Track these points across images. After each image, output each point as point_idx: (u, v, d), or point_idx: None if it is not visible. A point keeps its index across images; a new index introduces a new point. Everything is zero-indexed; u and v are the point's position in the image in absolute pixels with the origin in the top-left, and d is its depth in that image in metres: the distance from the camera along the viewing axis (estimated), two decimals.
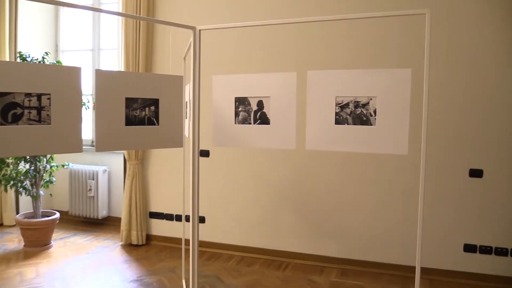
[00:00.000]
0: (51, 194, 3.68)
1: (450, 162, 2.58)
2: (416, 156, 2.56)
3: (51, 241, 3.18)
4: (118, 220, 3.55)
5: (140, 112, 1.55)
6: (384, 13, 1.38)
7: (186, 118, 1.91)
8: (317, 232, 2.85)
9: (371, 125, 1.43)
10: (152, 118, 1.59)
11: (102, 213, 3.65)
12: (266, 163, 2.94)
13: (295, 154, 2.87)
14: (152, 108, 1.58)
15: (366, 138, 1.43)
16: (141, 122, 1.55)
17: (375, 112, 1.42)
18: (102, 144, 1.47)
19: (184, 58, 2.18)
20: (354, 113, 1.45)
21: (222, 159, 3.05)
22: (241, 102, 1.62)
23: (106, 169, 3.68)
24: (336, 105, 1.47)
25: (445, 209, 2.61)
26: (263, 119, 1.60)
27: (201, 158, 3.04)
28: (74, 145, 1.39)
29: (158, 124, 1.60)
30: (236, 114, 1.63)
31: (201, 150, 3.02)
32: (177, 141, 1.68)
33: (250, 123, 1.61)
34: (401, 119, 1.39)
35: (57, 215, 3.20)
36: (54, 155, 3.42)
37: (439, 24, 2.52)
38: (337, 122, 1.47)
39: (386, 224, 2.72)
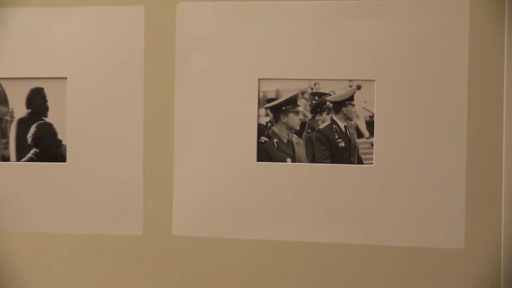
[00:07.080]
0: None
1: None
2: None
3: None
4: None
5: None
6: None
7: None
8: None
9: (361, 163, 0.85)
10: None
11: None
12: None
13: (160, 250, 2.10)
14: None
15: (349, 201, 0.90)
16: None
17: (371, 122, 0.87)
18: None
19: None
20: (312, 127, 0.87)
21: None
22: None
23: None
24: (260, 104, 0.88)
25: None
26: (48, 145, 1.04)
27: None
28: None
29: None
30: None
31: None
32: None
33: (7, 159, 1.05)
34: (451, 142, 0.83)
35: None
36: None
37: None
38: (263, 153, 0.87)
39: None
